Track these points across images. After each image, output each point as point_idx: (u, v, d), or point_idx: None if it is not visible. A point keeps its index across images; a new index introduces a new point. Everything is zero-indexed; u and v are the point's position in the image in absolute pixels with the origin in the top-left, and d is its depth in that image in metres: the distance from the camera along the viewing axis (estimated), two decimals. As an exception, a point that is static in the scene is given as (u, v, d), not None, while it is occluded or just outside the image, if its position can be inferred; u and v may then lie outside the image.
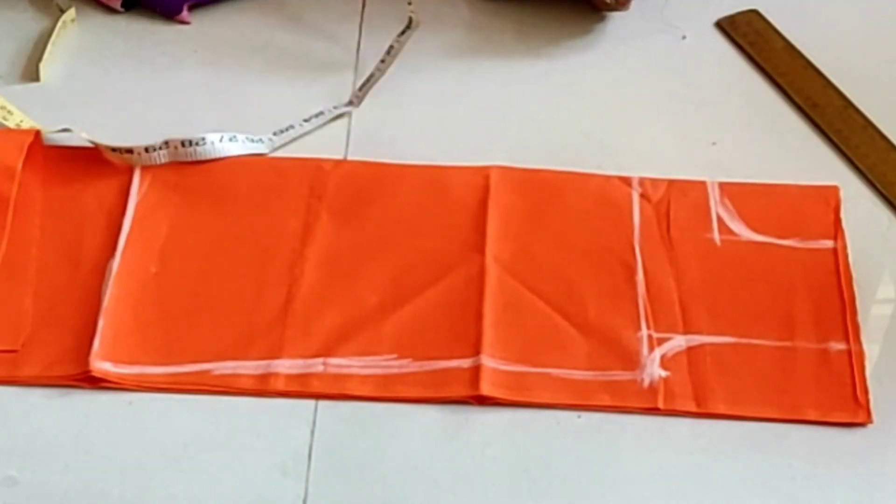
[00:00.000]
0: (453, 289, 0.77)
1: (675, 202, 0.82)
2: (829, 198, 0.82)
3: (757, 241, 0.80)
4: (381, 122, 0.87)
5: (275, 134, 0.84)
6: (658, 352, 0.74)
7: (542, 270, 0.78)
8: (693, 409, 0.72)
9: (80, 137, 0.82)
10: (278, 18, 0.94)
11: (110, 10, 0.93)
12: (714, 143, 0.86)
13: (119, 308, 0.75)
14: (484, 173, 0.83)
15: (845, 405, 0.72)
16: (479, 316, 0.75)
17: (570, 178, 0.83)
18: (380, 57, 0.89)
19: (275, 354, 0.73)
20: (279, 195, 0.81)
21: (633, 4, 0.92)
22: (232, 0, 0.94)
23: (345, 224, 0.80)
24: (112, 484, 0.68)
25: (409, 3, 0.89)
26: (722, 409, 0.72)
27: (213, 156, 0.82)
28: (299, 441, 0.70)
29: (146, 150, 0.81)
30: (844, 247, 0.79)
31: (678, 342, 0.75)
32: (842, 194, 0.82)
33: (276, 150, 0.84)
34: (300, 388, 0.72)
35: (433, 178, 0.82)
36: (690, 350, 0.74)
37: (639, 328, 0.75)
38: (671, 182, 0.83)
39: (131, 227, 0.79)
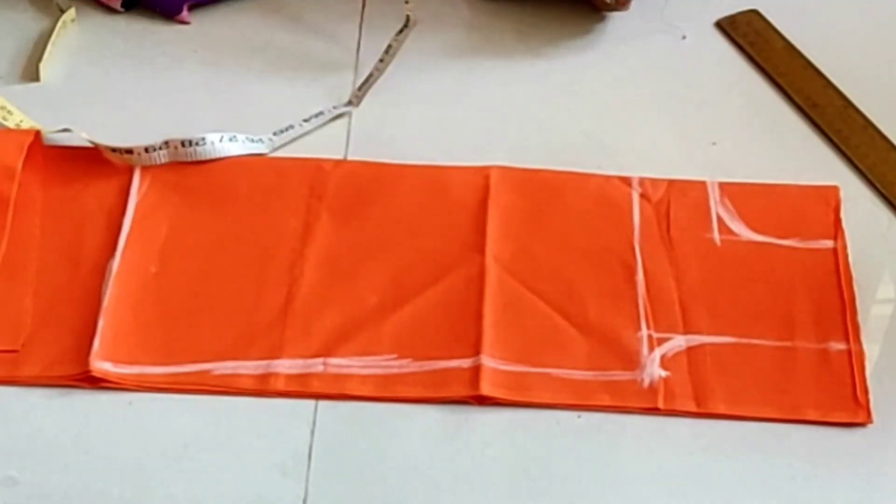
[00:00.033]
0: (453, 289, 0.77)
1: (675, 202, 0.82)
2: (829, 198, 0.82)
3: (757, 241, 0.80)
4: (381, 122, 0.87)
5: (275, 134, 0.84)
6: (658, 352, 0.74)
7: (542, 270, 0.78)
8: (693, 409, 0.72)
9: (80, 137, 0.82)
10: (278, 18, 0.94)
11: (110, 10, 0.93)
12: (714, 143, 0.86)
13: (119, 308, 0.75)
14: (484, 173, 0.83)
15: (845, 405, 0.72)
16: (479, 316, 0.75)
17: (570, 178, 0.83)
18: (378, 56, 0.89)
19: (275, 354, 0.73)
20: (279, 195, 0.81)
21: (633, 4, 0.92)
22: (232, 0, 0.94)
23: (345, 224, 0.80)
24: (112, 484, 0.68)
25: (407, 2, 0.89)
26: (722, 409, 0.72)
27: (213, 156, 0.82)
28: (299, 441, 0.70)
29: (146, 150, 0.81)
30: (844, 247, 0.79)
31: (678, 342, 0.75)
32: (842, 194, 0.82)
33: (276, 150, 0.84)
34: (300, 388, 0.72)
35: (433, 178, 0.82)
36: (690, 350, 0.74)
37: (639, 328, 0.75)
38: (671, 182, 0.83)
39: (131, 227, 0.79)
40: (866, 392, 0.73)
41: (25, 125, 0.84)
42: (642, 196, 0.82)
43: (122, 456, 0.69)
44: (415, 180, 0.82)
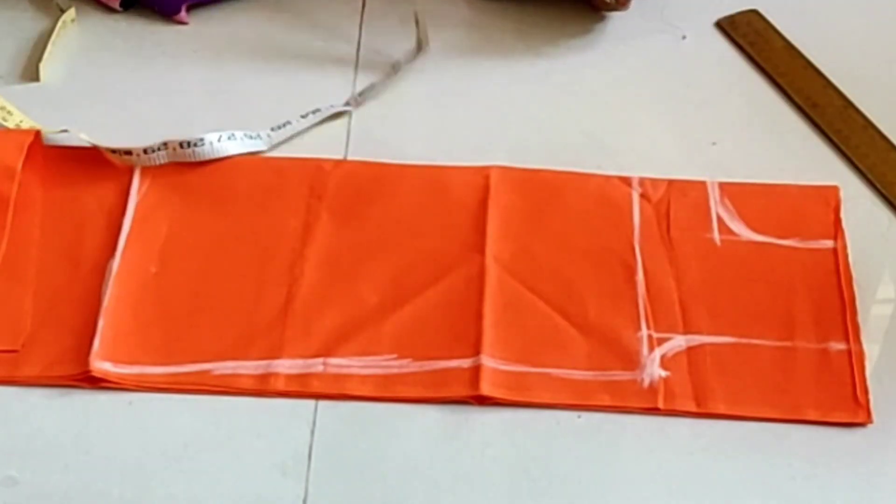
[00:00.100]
0: (453, 289, 0.77)
1: (675, 202, 0.82)
2: (829, 198, 0.82)
3: (757, 241, 0.80)
4: (381, 122, 0.87)
5: (273, 129, 0.84)
6: (658, 352, 0.74)
7: (542, 270, 0.78)
8: (693, 409, 0.72)
9: (79, 138, 0.82)
10: (278, 18, 0.94)
11: (110, 9, 0.93)
12: (714, 143, 0.86)
13: (119, 308, 0.75)
14: (484, 173, 0.83)
15: (845, 405, 0.72)
16: (479, 316, 0.75)
17: (570, 178, 0.83)
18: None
19: (275, 354, 0.73)
20: (279, 195, 0.81)
21: (633, 4, 0.92)
22: (232, 0, 0.94)
23: (345, 224, 0.80)
24: (112, 484, 0.68)
25: (417, 25, 0.89)
26: (722, 409, 0.72)
27: (211, 156, 0.82)
28: (299, 441, 0.70)
29: (145, 151, 0.81)
30: (844, 247, 0.79)
31: (678, 342, 0.75)
32: (842, 194, 0.82)
33: (274, 146, 0.84)
34: (300, 388, 0.72)
35: (433, 178, 0.82)
36: (690, 350, 0.74)
37: (639, 328, 0.75)
38: (671, 182, 0.83)
39: (131, 227, 0.79)
40: (866, 392, 0.73)
41: (25, 125, 0.84)
42: (642, 196, 0.82)
43: (122, 456, 0.69)
44: (415, 180, 0.82)
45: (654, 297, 0.77)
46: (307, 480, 0.69)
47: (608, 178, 0.83)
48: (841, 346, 0.75)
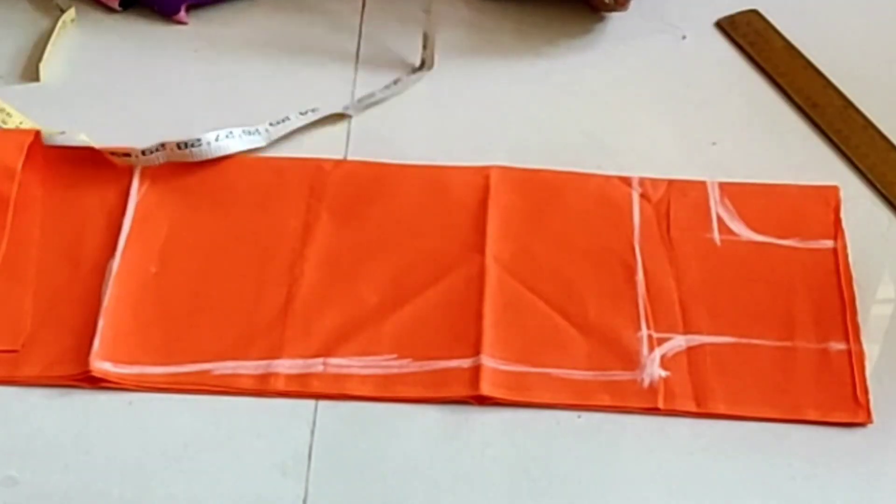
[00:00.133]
0: (453, 289, 0.77)
1: (675, 202, 0.82)
2: (829, 198, 0.82)
3: (757, 241, 0.80)
4: (381, 122, 0.87)
5: (271, 125, 0.84)
6: (658, 352, 0.74)
7: (542, 270, 0.78)
8: (693, 409, 0.72)
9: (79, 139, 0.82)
10: (278, 18, 0.94)
11: (110, 9, 0.93)
12: (714, 143, 0.86)
13: (119, 308, 0.75)
14: (484, 173, 0.83)
15: (845, 405, 0.72)
16: (479, 316, 0.75)
17: (570, 178, 0.83)
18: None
19: (275, 354, 0.73)
20: (279, 195, 0.81)
21: (632, 4, 0.92)
22: (231, 0, 0.94)
23: (345, 224, 0.80)
24: (112, 484, 0.68)
25: (425, 48, 0.89)
26: (722, 409, 0.72)
27: (210, 155, 0.82)
28: (299, 441, 0.70)
29: (143, 152, 0.81)
30: (844, 247, 0.79)
31: (678, 342, 0.75)
32: (842, 194, 0.82)
33: (273, 142, 0.84)
34: (300, 388, 0.72)
35: (433, 178, 0.82)
36: (690, 350, 0.74)
37: (639, 328, 0.75)
38: (671, 182, 0.83)
39: (131, 227, 0.79)
40: (866, 392, 0.73)
41: (25, 126, 0.83)
42: (642, 196, 0.82)
43: (122, 456, 0.69)
44: (415, 180, 0.82)
45: (654, 297, 0.77)
46: (307, 480, 0.69)
47: (608, 178, 0.83)
48: (841, 346, 0.75)
